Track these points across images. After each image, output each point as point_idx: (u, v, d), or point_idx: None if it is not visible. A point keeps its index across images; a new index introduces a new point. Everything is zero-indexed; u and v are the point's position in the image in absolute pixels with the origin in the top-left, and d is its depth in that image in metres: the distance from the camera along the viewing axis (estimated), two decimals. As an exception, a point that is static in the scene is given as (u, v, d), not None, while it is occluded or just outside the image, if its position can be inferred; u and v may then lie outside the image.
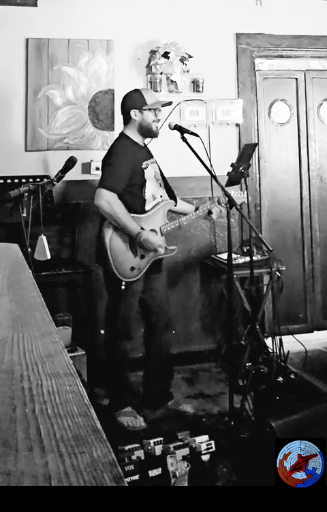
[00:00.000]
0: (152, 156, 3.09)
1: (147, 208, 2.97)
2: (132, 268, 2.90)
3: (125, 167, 2.89)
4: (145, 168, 2.97)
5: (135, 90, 3.08)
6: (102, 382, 3.32)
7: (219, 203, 3.05)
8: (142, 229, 2.87)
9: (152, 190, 2.99)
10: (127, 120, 3.04)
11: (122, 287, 2.88)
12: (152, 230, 2.97)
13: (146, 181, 2.95)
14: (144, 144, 3.09)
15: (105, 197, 2.81)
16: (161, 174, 3.11)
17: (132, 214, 2.89)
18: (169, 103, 3.11)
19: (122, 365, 3.08)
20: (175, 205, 3.11)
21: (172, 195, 3.10)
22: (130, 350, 3.09)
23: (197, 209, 3.12)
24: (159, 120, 3.03)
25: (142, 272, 2.94)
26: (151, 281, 3.09)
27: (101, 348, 3.53)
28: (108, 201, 2.81)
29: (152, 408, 3.16)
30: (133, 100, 3.00)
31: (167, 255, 3.05)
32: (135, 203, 2.93)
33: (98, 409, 3.15)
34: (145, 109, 2.98)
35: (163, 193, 3.07)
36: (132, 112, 2.99)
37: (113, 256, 2.86)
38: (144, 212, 2.96)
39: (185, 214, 3.09)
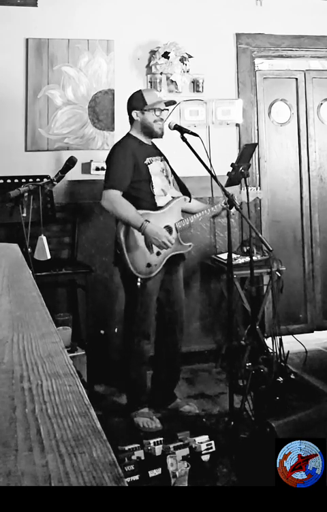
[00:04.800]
0: (159, 154, 3.11)
1: (159, 203, 2.98)
2: (149, 265, 2.90)
3: (125, 164, 2.92)
4: (149, 164, 2.98)
5: (138, 91, 3.12)
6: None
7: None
8: (147, 221, 2.85)
9: (161, 186, 3.00)
10: (131, 121, 3.08)
11: (138, 284, 2.88)
12: (167, 227, 2.97)
13: (151, 176, 2.97)
14: (152, 142, 3.11)
15: (106, 196, 2.88)
16: (173, 172, 3.13)
17: (146, 211, 2.90)
18: (172, 102, 3.10)
19: (141, 365, 3.07)
20: (190, 201, 3.11)
21: (185, 192, 3.11)
22: (147, 351, 3.08)
23: (212, 206, 3.07)
24: (163, 119, 3.02)
25: (159, 269, 2.93)
26: (167, 281, 3.08)
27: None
28: (108, 199, 2.86)
29: (156, 408, 3.16)
30: (134, 101, 3.04)
31: (182, 251, 3.05)
32: (145, 199, 2.94)
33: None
34: (145, 110, 2.99)
35: (176, 192, 3.09)
36: (133, 113, 3.04)
37: (128, 252, 2.87)
38: (156, 207, 2.96)
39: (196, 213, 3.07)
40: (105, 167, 3.03)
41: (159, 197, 2.99)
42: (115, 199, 2.85)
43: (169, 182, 3.08)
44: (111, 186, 2.89)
